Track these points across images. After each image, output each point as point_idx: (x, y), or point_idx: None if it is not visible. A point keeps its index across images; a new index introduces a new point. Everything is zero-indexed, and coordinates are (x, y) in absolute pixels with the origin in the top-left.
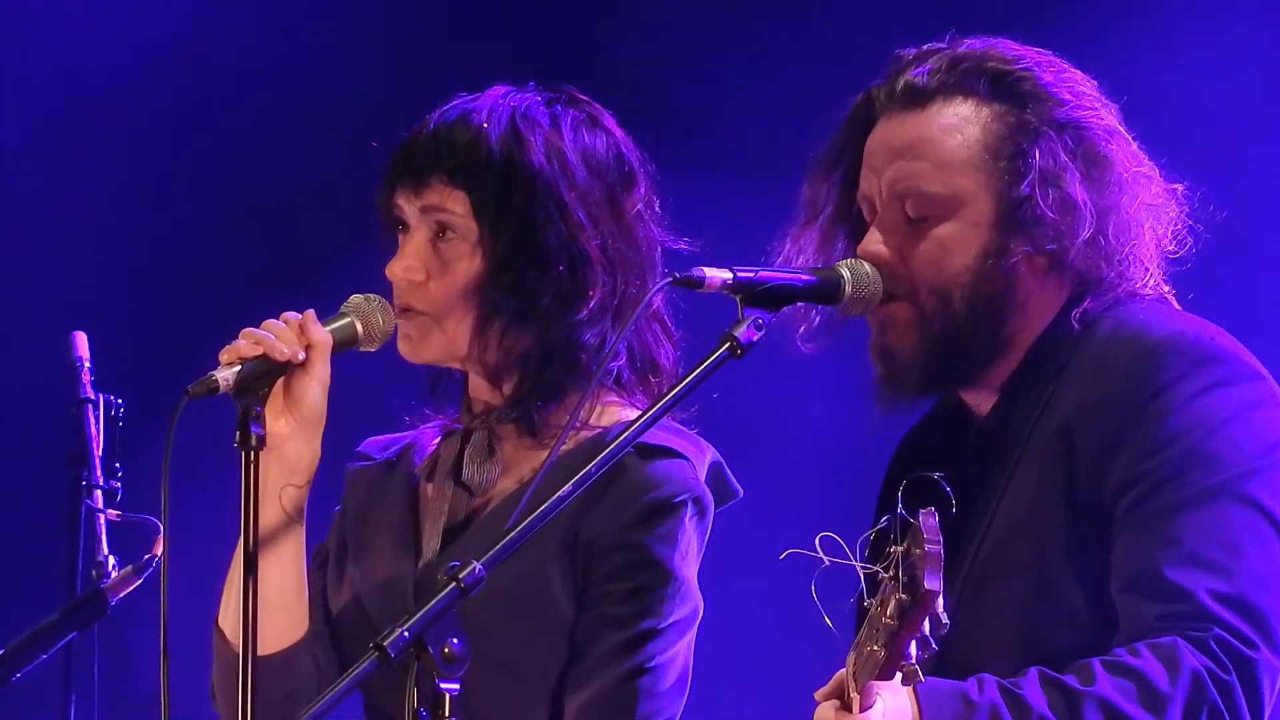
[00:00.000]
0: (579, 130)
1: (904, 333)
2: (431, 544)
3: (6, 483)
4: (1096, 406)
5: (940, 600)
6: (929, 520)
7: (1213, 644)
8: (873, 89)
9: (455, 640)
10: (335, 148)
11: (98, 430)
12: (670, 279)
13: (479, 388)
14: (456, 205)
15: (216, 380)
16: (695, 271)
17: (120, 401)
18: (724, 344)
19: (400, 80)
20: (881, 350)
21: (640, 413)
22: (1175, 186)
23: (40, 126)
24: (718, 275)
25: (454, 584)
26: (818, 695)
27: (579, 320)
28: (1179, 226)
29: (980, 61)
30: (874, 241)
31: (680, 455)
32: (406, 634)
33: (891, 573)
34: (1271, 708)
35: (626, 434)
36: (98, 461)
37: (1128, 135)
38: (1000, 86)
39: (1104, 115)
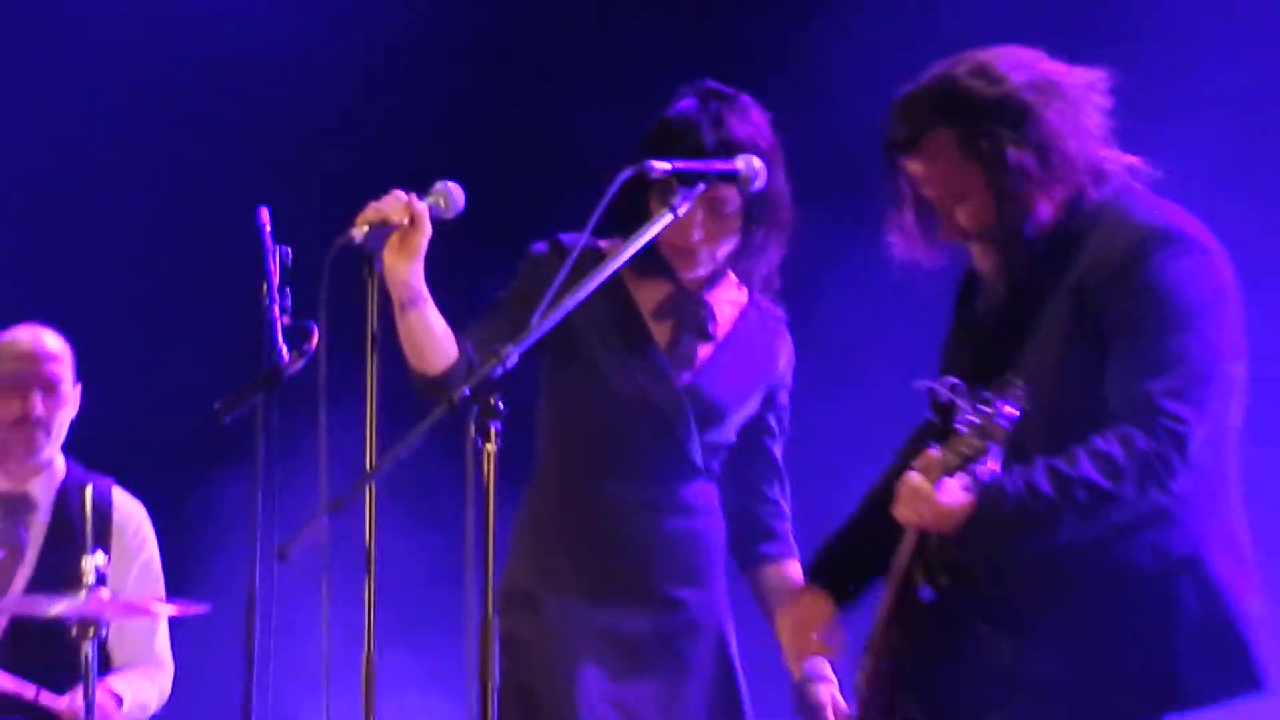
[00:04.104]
0: None
1: (986, 256)
2: (682, 375)
3: (211, 311)
4: (1100, 271)
5: (1000, 456)
6: (1010, 409)
7: (1158, 428)
8: (886, 138)
9: (496, 395)
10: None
11: (275, 267)
12: (634, 169)
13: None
14: (734, 198)
15: (352, 235)
16: (645, 164)
17: (289, 250)
18: (667, 211)
19: (460, 64)
20: (980, 267)
21: None
22: (1092, 75)
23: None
24: (661, 166)
25: (495, 359)
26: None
27: None
28: (1104, 103)
29: (929, 99)
30: (950, 223)
31: None
32: (467, 391)
33: (974, 414)
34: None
35: (621, 258)
36: (275, 283)
37: (1047, 66)
38: (949, 113)
39: (1020, 74)
